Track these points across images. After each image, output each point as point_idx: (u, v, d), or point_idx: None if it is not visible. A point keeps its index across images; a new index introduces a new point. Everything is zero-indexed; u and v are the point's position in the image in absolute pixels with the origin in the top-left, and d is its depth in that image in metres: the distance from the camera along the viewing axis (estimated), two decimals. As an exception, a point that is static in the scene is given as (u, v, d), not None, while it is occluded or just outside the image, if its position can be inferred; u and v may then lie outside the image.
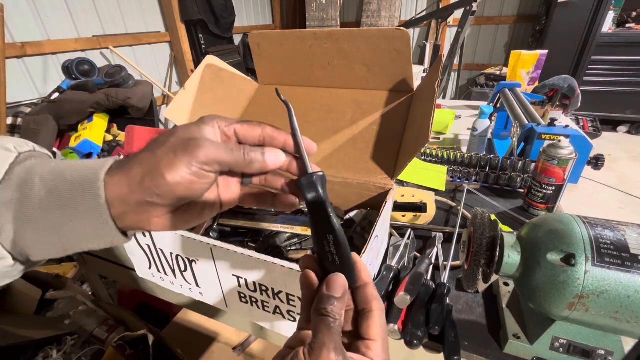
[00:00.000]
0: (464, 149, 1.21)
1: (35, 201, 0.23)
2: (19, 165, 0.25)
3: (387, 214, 0.55)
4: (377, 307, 0.27)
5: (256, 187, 0.31)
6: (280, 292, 0.46)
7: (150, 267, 0.59)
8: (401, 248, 0.62)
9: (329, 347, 0.22)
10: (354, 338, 0.27)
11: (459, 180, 0.92)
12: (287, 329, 0.51)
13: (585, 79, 3.01)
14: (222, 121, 0.27)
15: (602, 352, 0.42)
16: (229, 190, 0.30)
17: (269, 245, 0.59)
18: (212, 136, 0.26)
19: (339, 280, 0.26)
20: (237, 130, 0.27)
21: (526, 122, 0.94)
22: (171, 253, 0.53)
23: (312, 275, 0.27)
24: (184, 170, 0.23)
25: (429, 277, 0.55)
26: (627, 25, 3.03)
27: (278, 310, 0.49)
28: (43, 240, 0.24)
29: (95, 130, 1.77)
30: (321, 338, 0.23)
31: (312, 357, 0.23)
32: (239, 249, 0.44)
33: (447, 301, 0.51)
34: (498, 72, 3.19)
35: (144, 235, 0.53)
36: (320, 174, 0.28)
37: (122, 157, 0.25)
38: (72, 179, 0.24)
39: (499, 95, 1.29)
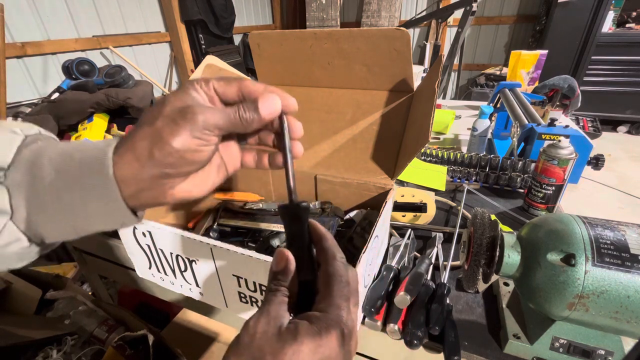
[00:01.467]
0: (464, 149, 1.21)
1: (46, 182, 0.23)
2: (26, 148, 0.25)
3: (387, 214, 0.55)
4: (328, 262, 0.26)
5: (253, 148, 0.32)
6: (280, 292, 0.46)
7: (150, 267, 0.59)
8: (401, 248, 0.62)
9: (252, 316, 0.23)
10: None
11: (459, 180, 0.92)
12: (287, 329, 0.51)
13: (585, 79, 3.01)
14: (202, 82, 0.27)
15: (602, 352, 0.42)
16: (230, 153, 0.31)
17: (269, 245, 0.59)
18: (201, 101, 0.26)
19: (277, 256, 0.27)
20: (215, 88, 0.27)
21: (526, 122, 0.94)
22: (171, 253, 0.53)
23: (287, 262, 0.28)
24: (188, 137, 0.24)
25: (429, 277, 0.55)
26: (627, 25, 3.03)
27: (278, 310, 0.49)
28: (55, 220, 0.24)
29: (95, 130, 1.76)
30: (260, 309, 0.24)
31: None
32: (239, 249, 0.44)
33: (447, 301, 0.51)
34: (498, 72, 3.20)
35: (144, 235, 0.53)
36: (304, 204, 0.27)
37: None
38: (80, 159, 0.24)
39: (499, 95, 1.29)
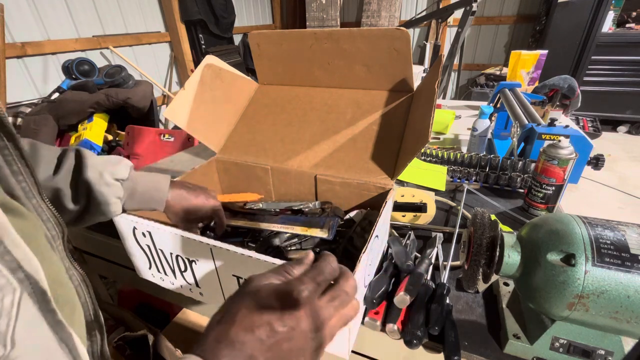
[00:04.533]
0: (464, 149, 1.21)
1: (137, 193, 0.52)
2: (131, 173, 0.52)
3: (387, 214, 0.55)
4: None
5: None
6: (280, 292, 0.46)
7: (150, 267, 0.59)
8: (401, 248, 0.62)
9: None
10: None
11: (459, 180, 0.92)
12: (287, 329, 0.51)
13: (585, 79, 3.01)
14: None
15: (602, 352, 0.42)
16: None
17: (269, 245, 0.59)
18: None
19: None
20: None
21: (526, 122, 0.94)
22: (171, 253, 0.53)
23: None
24: (206, 204, 0.58)
25: (429, 277, 0.55)
26: (627, 25, 3.03)
27: (278, 310, 0.49)
28: (132, 206, 0.53)
29: (95, 130, 1.77)
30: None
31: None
32: (239, 249, 0.44)
33: (447, 301, 0.51)
34: (498, 72, 3.19)
35: (144, 236, 0.53)
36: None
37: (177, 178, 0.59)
38: (154, 186, 0.54)
39: (499, 95, 1.29)
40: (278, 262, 0.42)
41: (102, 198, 0.47)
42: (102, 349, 0.33)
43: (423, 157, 0.99)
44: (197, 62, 2.93)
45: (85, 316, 0.32)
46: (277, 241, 0.60)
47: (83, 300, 0.32)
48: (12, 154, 0.26)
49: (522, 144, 0.93)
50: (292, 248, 0.59)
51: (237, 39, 3.61)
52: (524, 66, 1.57)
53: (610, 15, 2.88)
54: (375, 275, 0.54)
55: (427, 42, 3.79)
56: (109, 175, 0.48)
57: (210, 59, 0.72)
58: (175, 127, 1.98)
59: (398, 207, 0.76)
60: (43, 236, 0.27)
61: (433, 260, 0.60)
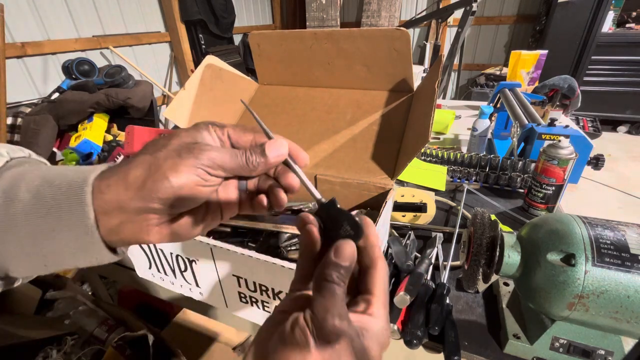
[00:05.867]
0: (464, 149, 1.21)
1: (19, 206, 0.21)
2: (8, 170, 0.23)
3: (387, 214, 0.55)
4: (382, 266, 0.26)
5: (250, 192, 0.30)
6: (280, 292, 0.46)
7: (150, 267, 0.59)
8: (401, 248, 0.62)
9: (332, 313, 0.21)
10: (354, 295, 0.26)
11: (459, 180, 0.92)
12: (287, 329, 0.51)
13: (585, 79, 3.01)
14: (216, 126, 0.27)
15: (602, 352, 0.42)
16: (228, 197, 0.29)
17: (269, 245, 0.59)
18: (211, 142, 0.26)
19: (349, 249, 0.24)
20: (230, 134, 0.27)
21: (526, 122, 0.94)
22: (171, 253, 0.53)
23: (316, 232, 0.26)
24: (190, 173, 0.22)
25: (429, 277, 0.55)
26: (627, 25, 3.03)
27: (278, 310, 0.49)
28: (24, 251, 0.22)
29: (95, 130, 1.77)
30: (324, 304, 0.21)
31: (315, 323, 0.21)
32: (239, 249, 0.45)
33: (447, 301, 0.51)
34: (498, 72, 3.19)
35: (144, 235, 0.53)
36: (332, 198, 0.27)
37: (115, 162, 0.25)
38: (58, 183, 0.22)
39: (499, 95, 1.29)
40: (278, 262, 0.42)
41: None
42: None
43: (423, 157, 0.99)
44: (197, 62, 2.93)
45: None
46: (277, 241, 0.60)
47: None
48: None
49: (522, 144, 0.93)
50: (292, 248, 0.59)
51: (237, 39, 3.61)
52: (524, 66, 1.57)
53: (610, 15, 2.88)
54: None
55: (427, 42, 3.79)
56: None
57: (210, 59, 0.72)
58: (175, 127, 1.98)
59: (398, 207, 0.76)
60: None
61: (433, 260, 0.60)
